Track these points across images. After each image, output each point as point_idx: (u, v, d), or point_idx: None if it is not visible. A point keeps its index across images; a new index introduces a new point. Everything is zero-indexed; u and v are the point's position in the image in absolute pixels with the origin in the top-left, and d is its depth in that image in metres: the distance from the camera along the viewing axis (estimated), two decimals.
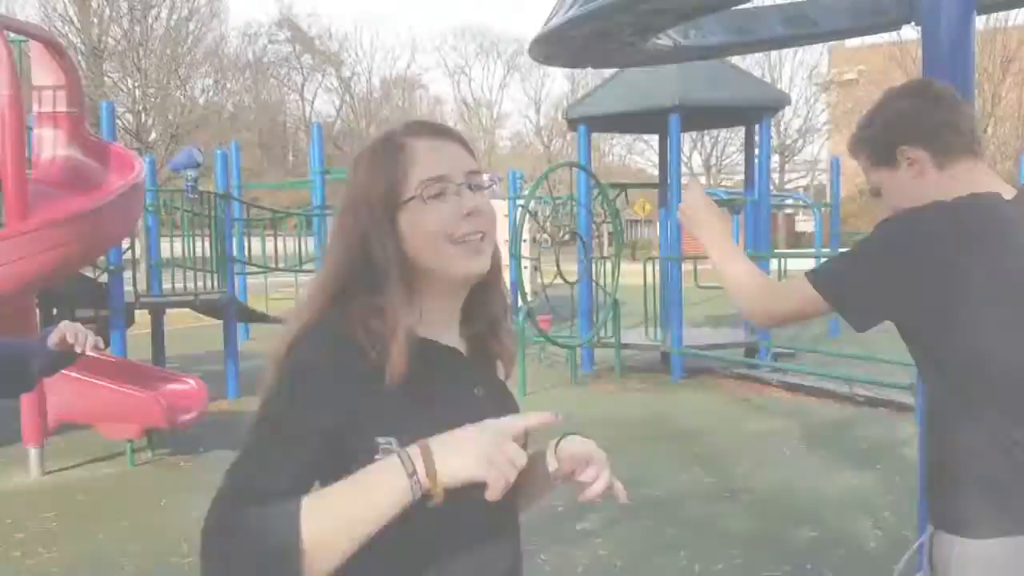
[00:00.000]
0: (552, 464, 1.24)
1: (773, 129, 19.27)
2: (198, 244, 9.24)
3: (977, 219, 1.74)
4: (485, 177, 1.32)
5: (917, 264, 1.72)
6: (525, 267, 11.74)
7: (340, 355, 1.18)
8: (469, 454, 1.05)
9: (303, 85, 43.04)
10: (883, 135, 1.87)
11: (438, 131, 1.32)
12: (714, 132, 35.93)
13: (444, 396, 1.25)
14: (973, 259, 1.69)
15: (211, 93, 33.77)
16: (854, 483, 5.74)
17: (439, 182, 1.26)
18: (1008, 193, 1.80)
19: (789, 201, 25.59)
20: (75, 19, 28.19)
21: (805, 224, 36.08)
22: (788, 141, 38.07)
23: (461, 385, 1.30)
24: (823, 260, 1.98)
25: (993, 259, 1.70)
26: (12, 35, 6.36)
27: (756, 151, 11.26)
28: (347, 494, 1.07)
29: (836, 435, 7.10)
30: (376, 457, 1.13)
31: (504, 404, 1.33)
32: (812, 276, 1.85)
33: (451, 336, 1.33)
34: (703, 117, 11.30)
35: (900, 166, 1.85)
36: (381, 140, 1.31)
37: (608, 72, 11.14)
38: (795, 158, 40.00)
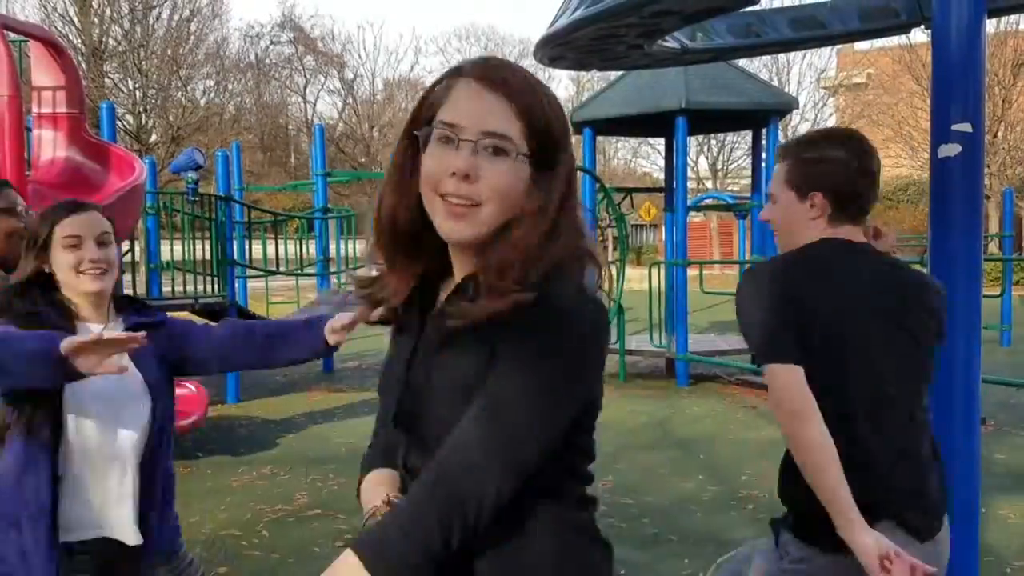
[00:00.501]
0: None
1: (780, 133, 19.23)
2: (198, 247, 9.26)
3: (825, 260, 2.03)
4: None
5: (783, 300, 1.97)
6: None
7: None
8: None
9: (305, 87, 43.07)
10: (812, 172, 2.07)
11: (491, 79, 1.20)
12: (721, 136, 35.92)
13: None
14: (820, 294, 1.97)
15: (212, 95, 33.78)
16: None
17: (447, 128, 1.18)
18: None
19: None
20: (75, 19, 28.24)
21: None
22: None
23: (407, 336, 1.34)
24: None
25: (837, 293, 1.97)
26: (12, 35, 6.39)
27: (763, 155, 11.26)
28: None
29: None
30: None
31: (425, 360, 1.26)
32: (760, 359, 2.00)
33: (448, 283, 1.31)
34: (710, 120, 11.30)
35: (806, 203, 2.07)
36: (448, 71, 1.25)
37: (614, 75, 11.15)
38: None
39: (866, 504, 1.81)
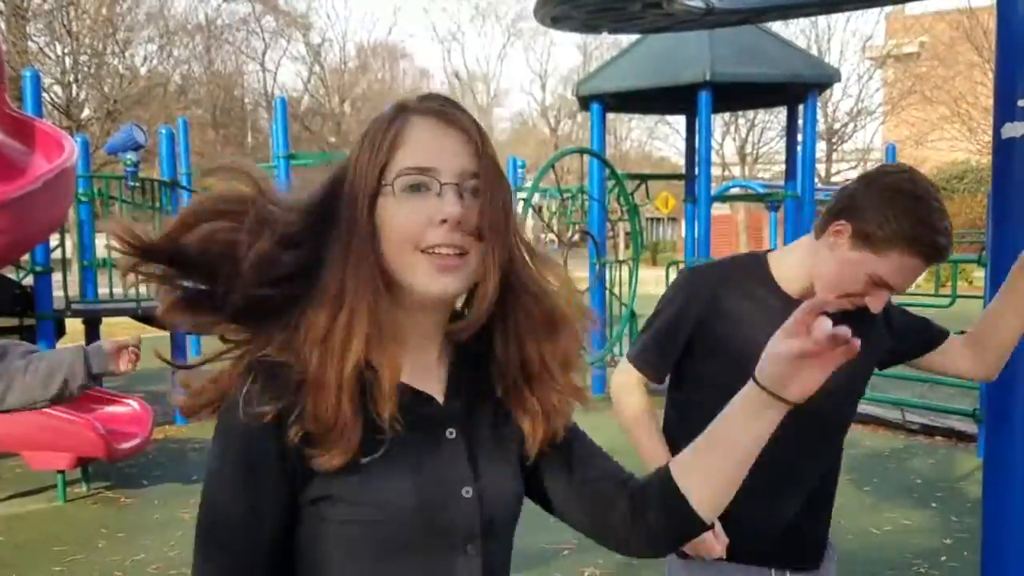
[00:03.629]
0: None
1: (819, 111, 19.23)
2: None
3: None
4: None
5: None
6: None
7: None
8: None
9: (264, 53, 43.07)
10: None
11: (448, 116, 1.26)
12: (750, 114, 36.03)
13: (401, 443, 1.22)
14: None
15: (155, 61, 33.79)
16: (906, 523, 5.78)
17: (421, 174, 1.21)
18: None
19: None
20: None
21: None
22: (837, 125, 38.13)
23: (426, 429, 1.27)
24: None
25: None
26: None
27: (799, 136, 11.32)
28: None
29: (886, 468, 7.14)
30: None
31: (491, 451, 1.32)
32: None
33: (427, 360, 1.32)
34: (738, 95, 11.35)
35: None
36: (387, 111, 1.28)
37: (627, 40, 11.22)
38: (844, 145, 40.11)
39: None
